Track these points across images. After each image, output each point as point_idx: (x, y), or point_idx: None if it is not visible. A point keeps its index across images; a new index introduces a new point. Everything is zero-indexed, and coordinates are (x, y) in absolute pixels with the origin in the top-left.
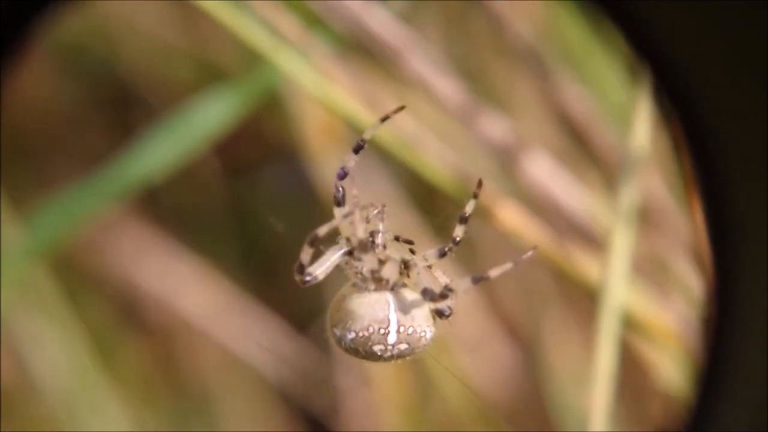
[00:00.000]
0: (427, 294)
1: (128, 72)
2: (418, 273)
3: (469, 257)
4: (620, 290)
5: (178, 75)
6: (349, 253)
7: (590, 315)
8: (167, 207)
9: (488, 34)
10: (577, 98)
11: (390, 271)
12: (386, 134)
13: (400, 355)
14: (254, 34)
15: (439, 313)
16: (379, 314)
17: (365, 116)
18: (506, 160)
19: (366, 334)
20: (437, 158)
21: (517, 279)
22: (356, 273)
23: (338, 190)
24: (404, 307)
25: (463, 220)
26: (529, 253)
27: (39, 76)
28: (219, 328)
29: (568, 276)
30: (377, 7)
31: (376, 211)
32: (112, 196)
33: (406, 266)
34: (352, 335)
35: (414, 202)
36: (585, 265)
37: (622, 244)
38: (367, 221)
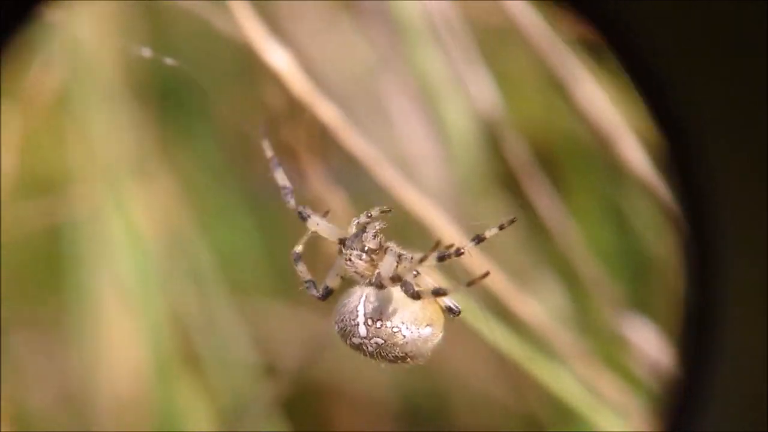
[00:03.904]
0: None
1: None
2: (404, 267)
3: None
4: None
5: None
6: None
7: None
8: None
9: None
10: None
11: (368, 266)
12: None
13: (383, 352)
14: (572, 392)
15: (450, 311)
16: (350, 306)
17: None
18: None
19: (341, 325)
20: None
21: None
22: (352, 271)
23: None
24: (379, 302)
25: (479, 240)
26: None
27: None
28: None
29: None
30: None
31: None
32: None
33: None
34: (335, 327)
35: None
36: None
37: None
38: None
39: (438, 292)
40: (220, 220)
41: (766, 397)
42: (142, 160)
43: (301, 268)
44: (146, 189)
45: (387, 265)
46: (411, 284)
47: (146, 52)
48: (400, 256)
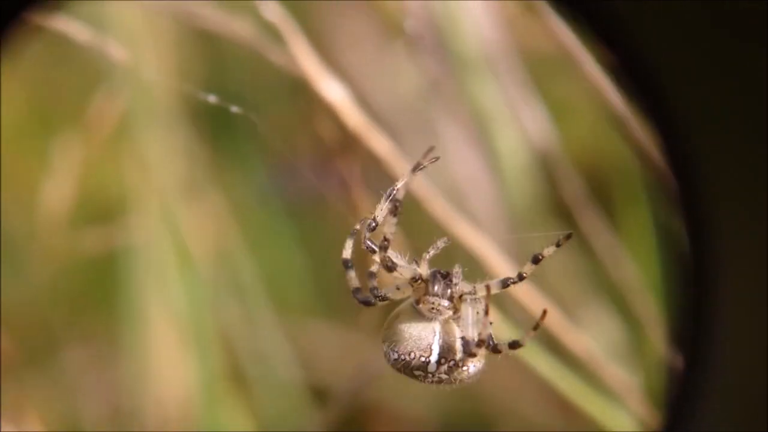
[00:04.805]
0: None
1: None
2: (473, 312)
3: None
4: None
5: None
6: (415, 280)
7: None
8: None
9: None
10: None
11: (448, 306)
12: None
13: (441, 383)
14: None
15: (494, 349)
16: (423, 342)
17: None
18: None
19: (407, 358)
20: None
21: None
22: (424, 301)
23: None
24: (451, 339)
25: (536, 260)
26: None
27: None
28: None
29: None
30: None
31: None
32: None
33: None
34: (395, 356)
35: None
36: None
37: None
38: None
39: (514, 346)
40: (267, 240)
41: (766, 398)
42: (193, 183)
43: (351, 275)
44: (196, 211)
45: (469, 322)
46: (491, 340)
47: (212, 99)
48: (473, 298)
